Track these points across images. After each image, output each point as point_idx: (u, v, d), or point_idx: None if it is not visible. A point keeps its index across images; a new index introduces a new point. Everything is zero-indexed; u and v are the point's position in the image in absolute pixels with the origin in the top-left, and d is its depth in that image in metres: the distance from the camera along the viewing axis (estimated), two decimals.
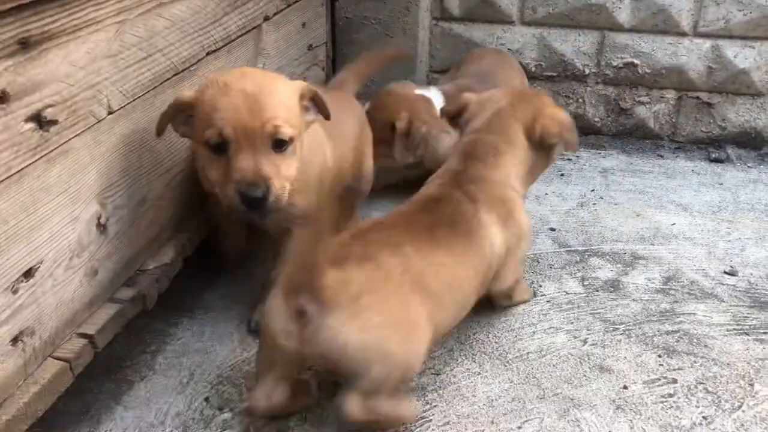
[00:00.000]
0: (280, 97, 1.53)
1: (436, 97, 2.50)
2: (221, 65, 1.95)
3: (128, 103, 1.54)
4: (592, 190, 2.69)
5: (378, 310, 1.41)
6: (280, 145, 1.51)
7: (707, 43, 2.86)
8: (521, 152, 1.82)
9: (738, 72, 2.88)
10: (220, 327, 1.89)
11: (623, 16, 2.89)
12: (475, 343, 1.84)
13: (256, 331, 1.77)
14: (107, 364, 1.71)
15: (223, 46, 1.96)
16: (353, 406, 1.40)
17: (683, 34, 2.87)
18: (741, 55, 2.85)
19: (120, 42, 1.48)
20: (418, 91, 2.51)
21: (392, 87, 2.53)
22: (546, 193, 2.65)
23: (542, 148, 1.84)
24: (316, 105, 1.63)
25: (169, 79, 1.70)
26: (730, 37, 2.83)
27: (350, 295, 1.38)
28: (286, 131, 1.50)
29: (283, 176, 1.52)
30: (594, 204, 2.59)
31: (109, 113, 1.48)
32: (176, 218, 1.83)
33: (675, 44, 2.88)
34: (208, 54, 1.87)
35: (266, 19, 2.23)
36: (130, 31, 1.51)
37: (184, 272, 1.87)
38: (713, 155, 2.96)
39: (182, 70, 1.75)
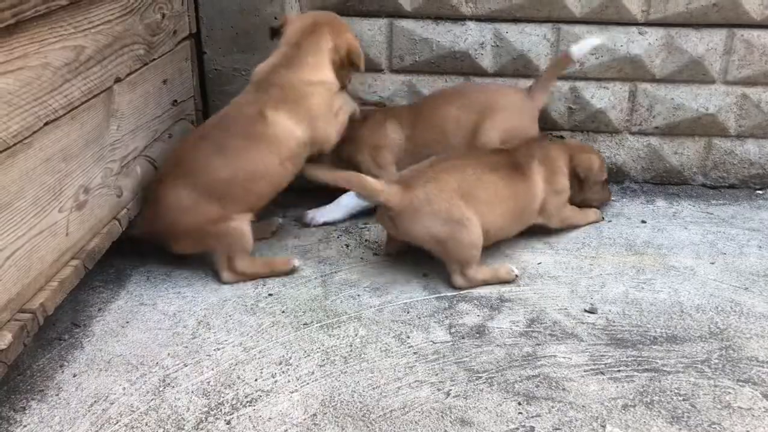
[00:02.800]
0: None
1: None
2: (63, 134, 1.88)
3: None
4: None
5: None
6: None
7: (566, 86, 3.00)
8: None
9: (596, 111, 3.03)
10: (72, 409, 1.79)
11: (486, 62, 2.99)
12: (339, 404, 1.82)
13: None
14: None
15: (65, 114, 1.88)
16: (457, 281, 2.34)
17: None
18: (597, 96, 3.00)
19: None
20: None
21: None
22: None
23: None
24: None
25: None
26: (586, 79, 2.98)
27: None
28: None
29: None
30: None
31: None
32: (16, 299, 1.72)
33: None
34: (46, 124, 1.80)
35: (117, 80, 2.17)
36: None
37: (37, 348, 1.77)
38: None
39: (14, 144, 1.67)
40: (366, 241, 2.67)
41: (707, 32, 2.88)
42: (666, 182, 3.14)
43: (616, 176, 3.14)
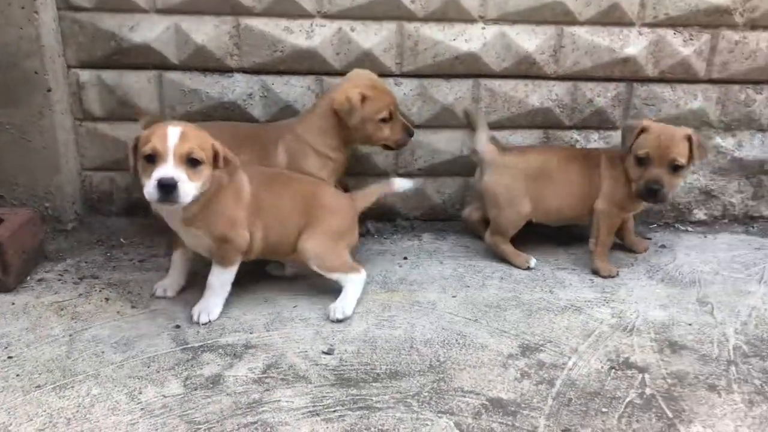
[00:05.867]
0: None
1: None
2: None
3: None
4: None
5: (503, 184, 2.96)
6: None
7: None
8: None
9: (363, 157, 3.22)
10: None
11: (256, 111, 3.13)
12: None
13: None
14: None
15: None
16: (486, 236, 3.05)
17: None
18: None
19: None
20: None
21: None
22: (184, 287, 2.75)
23: None
24: None
25: None
26: None
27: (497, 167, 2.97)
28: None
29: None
30: (230, 293, 2.73)
31: None
32: None
33: None
34: None
35: None
36: None
37: None
38: None
39: None
40: (128, 293, 2.71)
41: (456, 82, 3.15)
42: (433, 218, 3.38)
43: (390, 214, 3.35)
